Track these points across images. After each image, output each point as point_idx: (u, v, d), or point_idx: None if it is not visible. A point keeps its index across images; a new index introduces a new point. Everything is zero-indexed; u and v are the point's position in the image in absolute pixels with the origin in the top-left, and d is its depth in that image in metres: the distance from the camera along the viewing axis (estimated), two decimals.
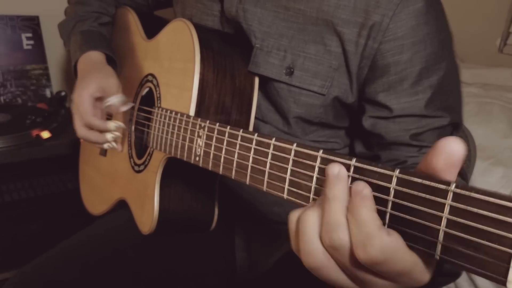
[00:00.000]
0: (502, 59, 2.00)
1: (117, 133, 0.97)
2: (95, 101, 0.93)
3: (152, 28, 1.03)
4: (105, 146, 0.96)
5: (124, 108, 0.95)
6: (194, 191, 0.94)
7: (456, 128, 0.86)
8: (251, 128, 0.90)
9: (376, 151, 0.86)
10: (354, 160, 0.40)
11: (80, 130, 0.94)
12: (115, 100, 0.92)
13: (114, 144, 0.97)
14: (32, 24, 1.68)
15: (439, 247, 0.33)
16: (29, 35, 1.68)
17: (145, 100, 1.00)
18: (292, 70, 0.84)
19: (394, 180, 0.36)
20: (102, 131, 0.94)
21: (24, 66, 1.69)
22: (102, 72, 0.96)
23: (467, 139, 1.15)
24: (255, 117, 0.93)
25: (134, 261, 0.95)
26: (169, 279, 0.95)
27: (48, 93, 1.75)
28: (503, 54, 2.01)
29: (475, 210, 0.30)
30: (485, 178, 1.31)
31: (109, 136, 0.95)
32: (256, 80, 0.89)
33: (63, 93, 1.66)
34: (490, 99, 1.51)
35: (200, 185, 0.94)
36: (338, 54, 0.81)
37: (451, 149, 0.34)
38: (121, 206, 1.05)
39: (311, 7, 0.82)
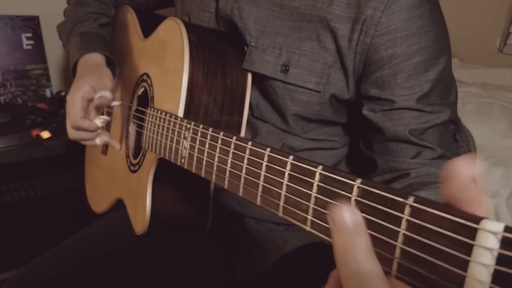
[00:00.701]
0: (502, 59, 1.98)
1: (105, 138, 0.98)
2: (87, 102, 0.93)
3: (150, 27, 1.03)
4: (97, 141, 0.97)
5: (116, 103, 0.96)
6: (187, 192, 0.94)
7: (457, 127, 0.84)
8: (243, 129, 0.90)
9: (376, 155, 0.84)
10: (320, 167, 0.39)
11: (70, 132, 0.95)
12: (107, 93, 0.92)
13: (105, 138, 0.97)
14: (32, 24, 1.68)
15: (395, 264, 0.31)
16: (29, 35, 1.68)
17: (141, 100, 1.00)
18: (287, 67, 0.83)
19: (355, 190, 0.34)
20: (92, 131, 0.94)
21: (24, 66, 1.69)
22: (97, 73, 0.96)
23: (467, 139, 1.14)
24: (255, 116, 0.92)
25: (133, 261, 0.95)
26: (169, 279, 0.95)
27: (48, 93, 1.76)
28: (503, 54, 2.00)
29: (431, 226, 0.29)
30: (485, 178, 1.30)
31: (97, 140, 0.96)
32: (249, 79, 0.89)
33: (63, 93, 1.67)
34: (490, 99, 1.49)
35: (193, 186, 0.94)
36: (333, 51, 0.81)
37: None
38: (121, 206, 1.05)
39: (305, 4, 0.81)
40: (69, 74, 1.03)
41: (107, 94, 0.92)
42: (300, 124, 0.90)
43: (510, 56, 1.95)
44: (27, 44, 1.68)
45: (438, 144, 0.79)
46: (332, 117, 0.89)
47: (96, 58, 1.01)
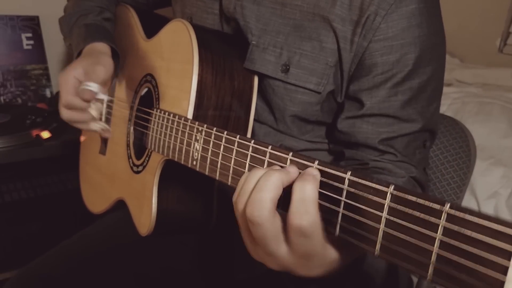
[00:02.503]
0: (502, 59, 2.00)
1: (103, 124, 0.97)
2: (80, 84, 0.91)
3: (152, 27, 1.02)
4: (96, 127, 0.96)
5: (103, 97, 0.93)
6: (193, 193, 0.94)
7: (432, 135, 0.85)
8: (250, 130, 0.90)
9: (343, 147, 0.87)
10: (349, 173, 0.40)
11: (62, 112, 0.93)
12: (93, 85, 0.90)
13: (105, 125, 0.97)
14: (32, 24, 1.68)
15: (431, 269, 0.32)
16: (29, 35, 1.68)
17: (144, 100, 1.00)
18: (288, 67, 0.83)
19: (389, 196, 0.35)
20: (82, 109, 0.92)
21: (24, 66, 1.69)
22: (95, 59, 0.94)
23: (467, 139, 1.14)
24: None
25: (134, 261, 0.95)
26: (169, 279, 0.95)
27: (48, 93, 1.76)
28: (503, 54, 2.01)
29: (468, 233, 0.30)
30: (485, 178, 1.30)
31: (96, 126, 0.95)
32: (256, 81, 0.88)
33: None
34: (490, 99, 1.49)
35: (198, 187, 0.94)
36: (334, 51, 0.81)
37: None
38: (121, 206, 1.04)
39: (308, 2, 0.81)
40: None
41: (93, 86, 0.89)
42: (298, 125, 0.90)
43: (510, 56, 1.97)
44: (27, 44, 1.68)
45: (402, 151, 0.81)
46: (328, 118, 0.89)
47: (101, 48, 1.00)
